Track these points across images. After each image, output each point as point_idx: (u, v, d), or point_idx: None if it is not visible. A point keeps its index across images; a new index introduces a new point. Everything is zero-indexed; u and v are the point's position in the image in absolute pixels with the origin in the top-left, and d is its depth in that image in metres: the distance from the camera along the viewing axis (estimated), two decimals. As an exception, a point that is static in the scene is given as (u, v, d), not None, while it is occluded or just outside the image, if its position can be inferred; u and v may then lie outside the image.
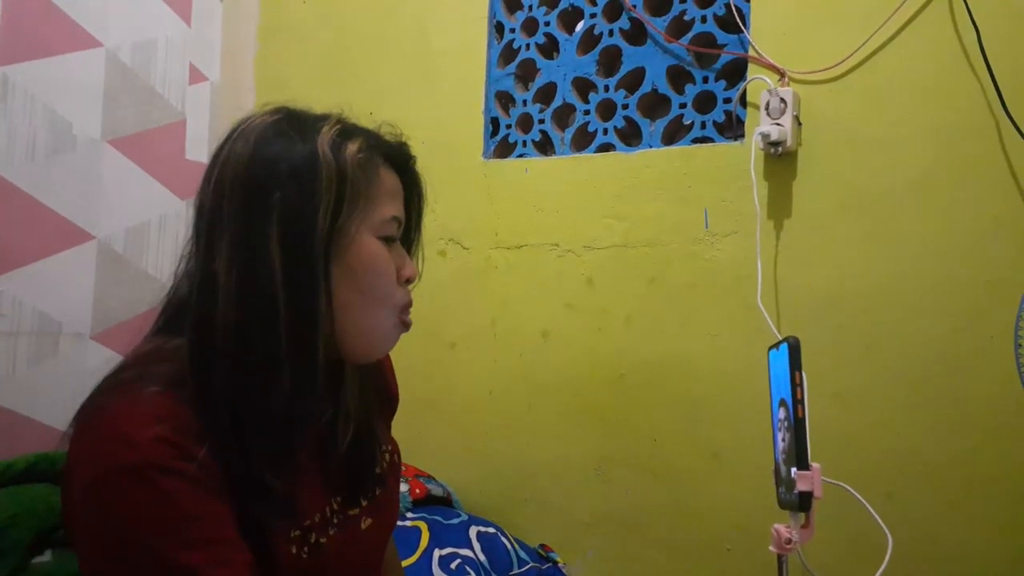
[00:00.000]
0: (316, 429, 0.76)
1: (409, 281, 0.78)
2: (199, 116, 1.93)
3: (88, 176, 1.69)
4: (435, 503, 1.52)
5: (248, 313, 0.66)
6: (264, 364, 0.66)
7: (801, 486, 0.70)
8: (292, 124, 0.71)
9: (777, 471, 0.77)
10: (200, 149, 1.92)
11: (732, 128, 1.46)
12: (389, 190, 0.75)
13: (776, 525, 0.74)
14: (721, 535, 1.42)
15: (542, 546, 1.55)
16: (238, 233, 0.67)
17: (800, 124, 1.36)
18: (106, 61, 1.73)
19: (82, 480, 0.62)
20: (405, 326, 0.78)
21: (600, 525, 1.54)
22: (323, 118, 0.73)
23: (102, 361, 1.67)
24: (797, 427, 0.71)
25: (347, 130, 0.72)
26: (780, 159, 1.37)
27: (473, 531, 1.40)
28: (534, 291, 1.62)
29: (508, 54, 1.71)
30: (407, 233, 0.81)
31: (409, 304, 0.78)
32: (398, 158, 0.77)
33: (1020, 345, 1.01)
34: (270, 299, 0.66)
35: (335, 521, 0.75)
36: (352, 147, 0.71)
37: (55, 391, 1.60)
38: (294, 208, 0.67)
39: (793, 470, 0.71)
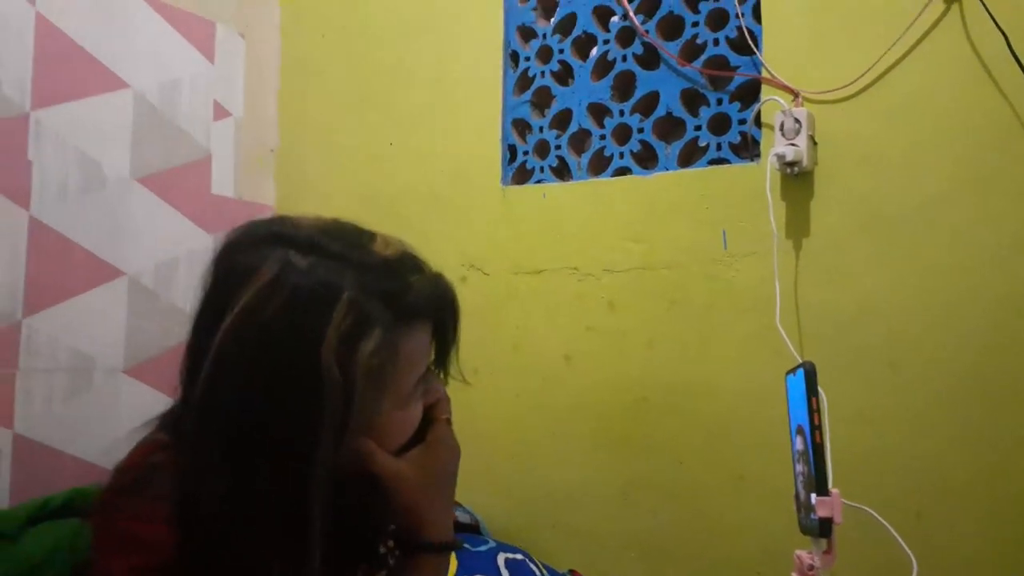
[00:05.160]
0: None
1: None
2: (224, 151, 1.97)
3: (117, 214, 1.74)
4: (462, 530, 1.52)
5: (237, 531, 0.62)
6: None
7: (821, 512, 0.71)
8: (295, 319, 0.61)
9: (797, 496, 0.77)
10: (226, 184, 1.97)
11: (748, 149, 1.47)
12: (415, 358, 0.68)
13: (798, 551, 0.74)
14: (750, 558, 1.41)
15: (571, 571, 1.55)
16: (228, 468, 0.61)
17: (816, 144, 1.36)
18: (133, 102, 1.78)
19: None
20: None
21: (628, 549, 1.54)
22: (334, 297, 0.62)
23: (136, 395, 1.70)
24: (815, 452, 0.72)
25: (363, 317, 0.62)
26: (797, 179, 1.37)
27: (501, 558, 1.41)
28: (555, 315, 1.63)
29: (524, 82, 1.73)
30: (442, 357, 0.76)
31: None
32: (430, 310, 0.70)
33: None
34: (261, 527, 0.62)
35: None
36: (367, 347, 0.62)
37: (91, 426, 1.63)
38: (290, 444, 0.61)
39: (813, 496, 0.72)
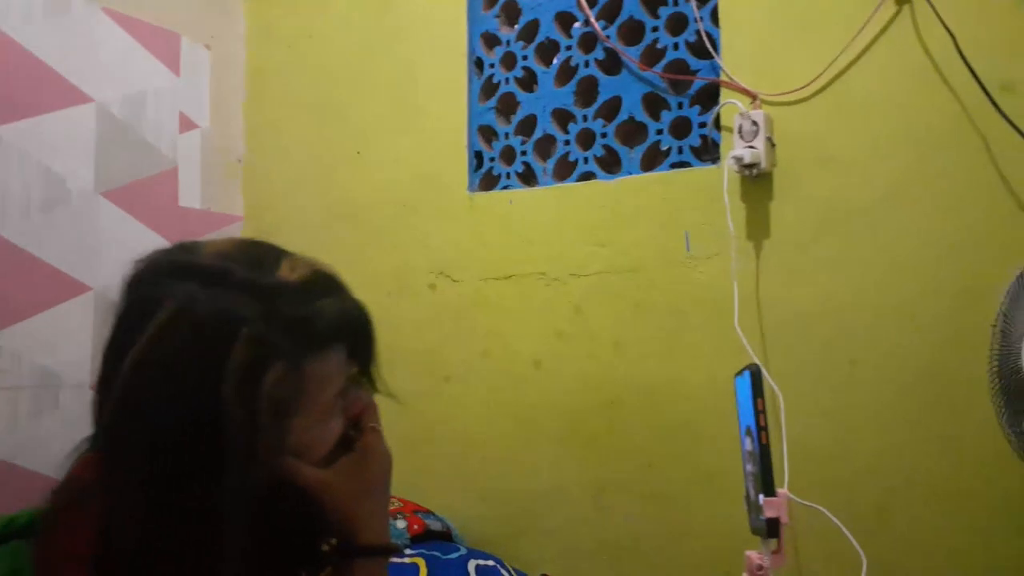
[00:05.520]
0: None
1: None
2: (191, 163, 1.96)
3: (83, 228, 1.73)
4: (434, 538, 1.52)
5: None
6: None
7: (768, 513, 0.71)
8: (195, 356, 0.61)
9: (747, 496, 0.78)
10: (193, 195, 1.96)
11: (709, 151, 1.48)
12: (326, 381, 0.67)
13: (748, 551, 0.75)
14: (719, 557, 1.42)
15: None
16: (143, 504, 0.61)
17: (774, 145, 1.37)
18: (97, 115, 1.77)
19: None
20: None
21: (600, 552, 1.54)
22: (235, 331, 0.61)
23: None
24: (762, 453, 0.72)
25: (265, 350, 0.61)
26: (756, 180, 1.39)
27: (472, 565, 1.41)
28: (524, 321, 1.64)
29: (488, 89, 1.74)
30: (363, 374, 0.72)
31: None
32: (340, 334, 0.67)
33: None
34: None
35: None
36: (270, 379, 0.61)
37: (57, 443, 1.61)
38: (198, 476, 0.60)
39: (760, 496, 0.72)
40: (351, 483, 0.69)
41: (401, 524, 1.47)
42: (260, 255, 0.67)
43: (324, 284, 0.68)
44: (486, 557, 1.46)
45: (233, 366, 0.60)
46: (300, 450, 0.67)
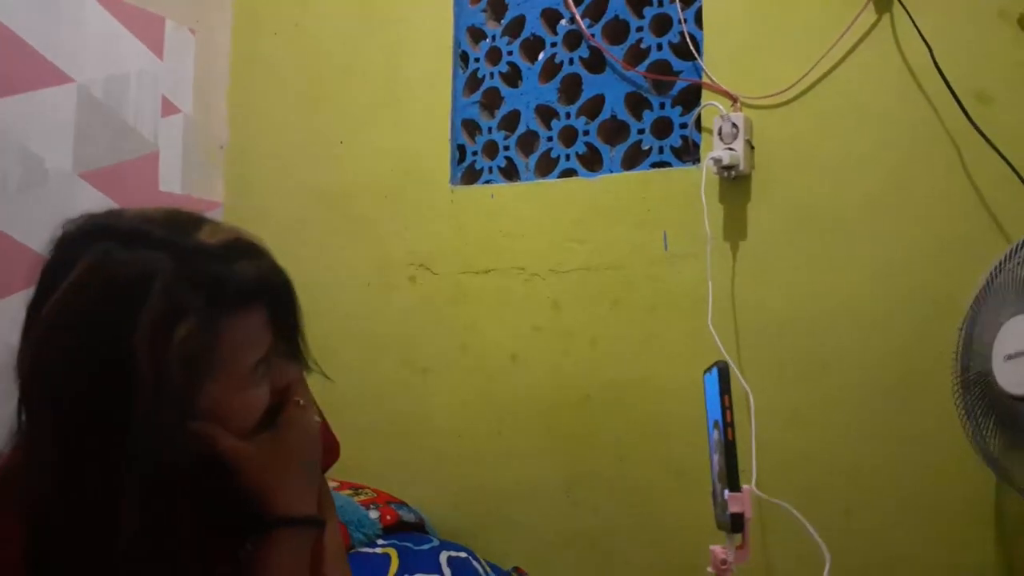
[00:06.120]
0: None
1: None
2: (172, 147, 1.95)
3: (60, 210, 1.68)
4: (407, 529, 1.52)
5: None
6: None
7: (733, 508, 0.73)
8: (108, 308, 0.62)
9: (714, 492, 0.80)
10: (174, 180, 1.95)
11: (689, 152, 1.50)
12: (244, 342, 0.67)
13: (712, 546, 0.77)
14: (689, 552, 1.44)
15: (515, 569, 1.56)
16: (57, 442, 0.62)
17: (753, 148, 1.39)
18: (78, 96, 1.75)
19: None
20: None
21: (571, 546, 1.55)
22: (148, 285, 0.62)
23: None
24: (727, 449, 0.74)
25: (177, 304, 0.62)
26: (734, 182, 1.40)
27: (443, 556, 1.41)
28: (502, 315, 1.65)
29: (473, 83, 1.75)
30: (283, 342, 0.72)
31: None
32: (257, 294, 0.68)
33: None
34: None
35: None
36: (181, 333, 0.62)
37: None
38: (107, 429, 0.61)
39: (725, 491, 0.74)
40: (269, 455, 0.70)
41: (374, 514, 1.48)
42: (182, 220, 0.68)
43: (244, 248, 0.69)
44: (458, 549, 1.47)
45: (144, 318, 0.61)
46: (223, 418, 0.68)
